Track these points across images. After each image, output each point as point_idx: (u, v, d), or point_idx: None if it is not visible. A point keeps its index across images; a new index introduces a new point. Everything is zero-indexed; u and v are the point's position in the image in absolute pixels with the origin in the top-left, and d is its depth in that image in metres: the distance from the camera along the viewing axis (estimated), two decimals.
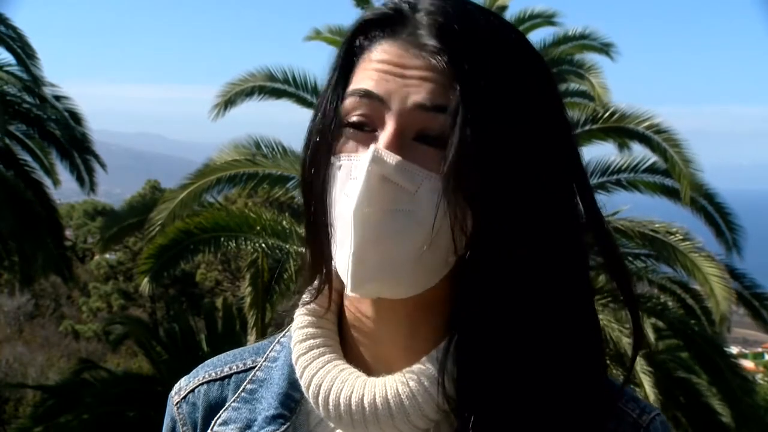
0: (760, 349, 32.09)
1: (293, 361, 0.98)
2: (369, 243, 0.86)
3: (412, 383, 0.90)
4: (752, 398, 8.61)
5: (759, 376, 22.70)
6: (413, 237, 0.87)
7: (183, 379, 1.07)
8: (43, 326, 23.73)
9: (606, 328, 7.12)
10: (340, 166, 0.90)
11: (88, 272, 25.68)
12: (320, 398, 0.93)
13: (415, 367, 0.91)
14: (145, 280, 8.15)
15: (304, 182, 0.97)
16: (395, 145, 0.87)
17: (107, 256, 24.14)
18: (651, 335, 9.24)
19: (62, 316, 25.33)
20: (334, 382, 0.93)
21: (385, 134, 0.88)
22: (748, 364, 23.63)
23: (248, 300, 9.58)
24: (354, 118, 0.91)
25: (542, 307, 0.89)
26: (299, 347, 0.98)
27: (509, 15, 8.98)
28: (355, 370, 0.94)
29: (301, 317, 1.00)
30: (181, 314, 13.63)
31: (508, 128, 0.87)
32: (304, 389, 0.96)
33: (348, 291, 0.90)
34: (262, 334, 8.98)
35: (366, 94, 0.90)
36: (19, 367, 19.18)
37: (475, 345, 0.89)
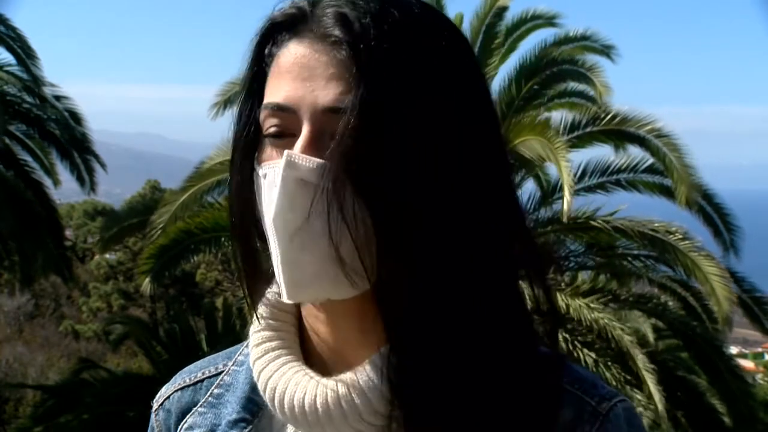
0: (760, 349, 32.10)
1: (251, 364, 0.98)
2: (298, 249, 0.86)
3: (361, 381, 0.90)
4: (751, 399, 8.61)
5: (759, 376, 22.70)
6: (339, 233, 0.85)
7: (164, 387, 1.09)
8: (43, 326, 23.73)
9: (607, 327, 7.12)
10: (265, 174, 0.90)
11: (88, 272, 25.70)
12: (276, 401, 0.93)
13: (364, 364, 0.91)
14: (146, 280, 8.16)
15: (230, 195, 0.96)
16: (312, 147, 0.86)
17: (107, 256, 24.15)
18: (651, 335, 9.25)
19: (62, 316, 25.34)
20: (288, 384, 0.92)
21: (301, 139, 0.87)
22: (748, 364, 23.65)
23: None
24: (271, 129, 0.90)
25: (466, 290, 0.87)
26: (256, 351, 0.97)
27: (510, 15, 8.99)
28: (309, 371, 0.93)
29: (257, 321, 1.00)
30: (181, 314, 13.61)
31: (402, 115, 0.84)
32: (261, 392, 0.95)
33: (284, 299, 0.89)
34: None
35: (278, 107, 0.89)
36: (19, 367, 19.18)
37: (411, 339, 0.88)
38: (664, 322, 8.51)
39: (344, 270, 0.86)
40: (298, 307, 0.99)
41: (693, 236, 7.74)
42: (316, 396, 0.90)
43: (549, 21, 9.33)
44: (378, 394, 0.89)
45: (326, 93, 0.86)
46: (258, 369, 0.96)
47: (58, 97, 11.70)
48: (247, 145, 0.92)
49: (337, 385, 0.90)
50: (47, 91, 11.46)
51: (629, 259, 8.46)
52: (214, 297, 19.82)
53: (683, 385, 8.41)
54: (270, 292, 1.00)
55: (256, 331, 0.99)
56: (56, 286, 24.12)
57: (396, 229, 0.85)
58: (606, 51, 9.25)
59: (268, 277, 0.97)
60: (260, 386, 0.95)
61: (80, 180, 11.86)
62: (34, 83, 11.08)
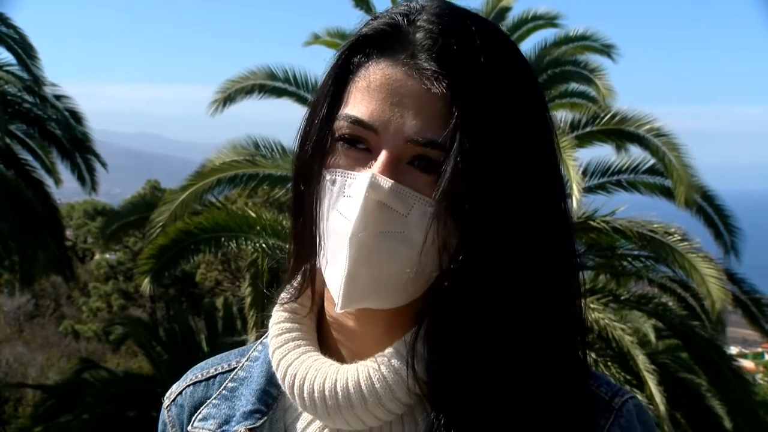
0: (760, 349, 32.05)
1: (270, 354, 1.01)
2: (361, 264, 0.89)
3: (383, 366, 0.93)
4: (751, 399, 8.60)
5: (759, 376, 22.67)
6: (403, 257, 0.89)
7: (174, 385, 1.12)
8: (43, 326, 23.71)
9: (608, 328, 7.12)
10: (334, 180, 0.92)
11: (88, 272, 25.67)
12: (295, 388, 0.96)
13: (387, 351, 0.94)
14: (146, 280, 8.15)
15: (295, 190, 0.99)
16: (389, 171, 0.89)
17: (107, 256, 24.14)
18: (652, 336, 9.24)
19: (62, 316, 25.31)
20: (308, 371, 0.95)
21: (380, 160, 0.90)
22: (748, 364, 23.60)
23: (248, 300, 9.57)
24: (346, 135, 0.92)
25: (513, 297, 0.91)
26: (275, 341, 1.01)
27: (512, 16, 8.98)
28: (329, 359, 0.96)
29: (278, 314, 1.03)
30: (181, 314, 13.63)
31: (501, 156, 0.89)
32: (280, 380, 0.98)
33: (337, 309, 0.92)
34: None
35: (359, 122, 0.91)
36: (19, 367, 19.15)
37: (444, 326, 0.91)
38: (664, 323, 8.50)
39: (407, 287, 0.91)
40: (319, 305, 1.03)
41: (691, 237, 7.73)
42: (336, 380, 0.93)
43: (550, 21, 9.33)
44: (399, 380, 0.92)
45: (414, 124, 0.89)
46: (278, 358, 0.99)
47: (58, 97, 11.70)
48: (322, 150, 0.94)
49: (357, 370, 0.93)
50: (48, 90, 11.45)
51: (629, 259, 8.45)
52: (214, 297, 19.82)
53: (683, 385, 8.41)
54: (290, 287, 1.03)
55: (276, 323, 1.02)
56: (56, 286, 24.10)
57: (481, 250, 0.89)
58: (606, 50, 9.25)
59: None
60: (279, 374, 0.98)
61: (81, 180, 11.85)
62: (34, 83, 11.07)
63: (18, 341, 21.08)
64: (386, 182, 0.88)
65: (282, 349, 0.99)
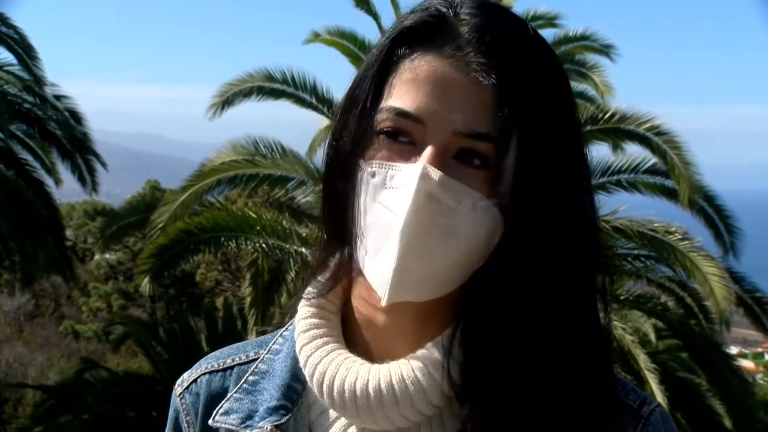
0: (760, 349, 32.05)
1: (297, 351, 0.99)
2: (410, 256, 0.87)
3: (416, 368, 0.91)
4: (752, 398, 8.61)
5: (759, 376, 22.67)
6: (451, 250, 0.88)
7: (186, 373, 1.09)
8: (43, 326, 23.70)
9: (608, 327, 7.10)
10: (374, 173, 0.90)
11: (88, 272, 25.67)
12: (324, 386, 0.94)
13: (420, 352, 0.92)
14: (146, 279, 8.15)
15: (328, 184, 0.97)
16: (437, 163, 0.88)
17: (107, 256, 24.12)
18: (652, 335, 9.23)
19: (62, 316, 25.30)
20: (338, 369, 0.94)
21: (427, 152, 0.88)
22: (748, 364, 23.62)
23: (248, 300, 9.58)
24: (388, 128, 0.91)
25: (550, 301, 0.90)
26: (303, 337, 0.99)
27: None
28: (359, 358, 0.95)
29: (304, 309, 1.01)
30: (181, 314, 13.63)
31: (550, 150, 0.89)
32: (308, 377, 0.97)
33: (383, 302, 0.90)
34: (262, 335, 8.91)
35: (405, 114, 0.89)
36: (19, 367, 19.15)
37: (481, 330, 0.90)
38: (664, 323, 8.50)
39: (450, 279, 0.90)
40: (342, 298, 1.01)
41: (692, 236, 7.73)
42: (368, 380, 0.92)
43: (550, 21, 9.34)
44: (433, 382, 0.91)
45: (461, 116, 0.88)
46: (305, 354, 0.97)
47: (58, 97, 11.69)
48: (361, 143, 0.93)
49: (390, 370, 0.92)
50: (48, 90, 11.44)
51: (629, 259, 8.46)
52: (214, 297, 19.82)
53: (683, 385, 8.41)
54: (317, 282, 1.01)
55: (303, 318, 1.00)
56: (56, 286, 24.10)
57: (521, 239, 0.89)
58: (605, 50, 9.26)
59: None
60: (307, 372, 0.96)
61: (81, 180, 11.85)
62: (35, 83, 11.06)
63: (18, 341, 21.08)
64: (436, 174, 0.87)
65: (310, 346, 0.97)
